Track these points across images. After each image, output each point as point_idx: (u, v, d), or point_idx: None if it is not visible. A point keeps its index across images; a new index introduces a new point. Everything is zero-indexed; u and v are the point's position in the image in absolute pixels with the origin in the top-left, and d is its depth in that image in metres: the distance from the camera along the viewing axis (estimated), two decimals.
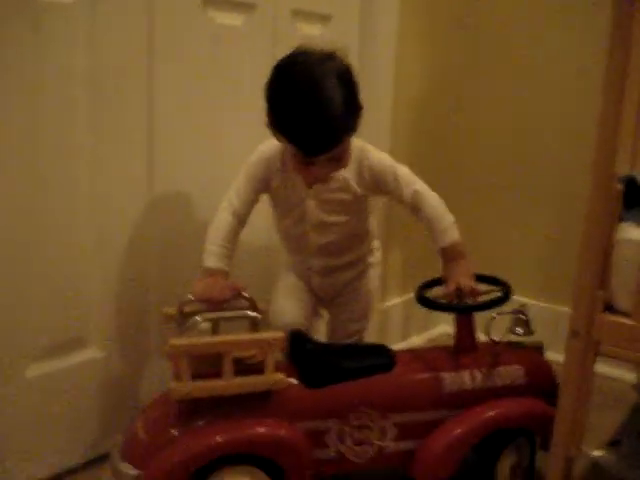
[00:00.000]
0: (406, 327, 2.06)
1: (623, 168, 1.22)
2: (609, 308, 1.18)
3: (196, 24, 1.46)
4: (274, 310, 1.44)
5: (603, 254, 1.16)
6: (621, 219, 1.19)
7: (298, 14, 1.69)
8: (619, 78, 1.10)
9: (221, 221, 1.33)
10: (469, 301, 1.33)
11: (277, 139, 1.28)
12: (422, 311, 1.99)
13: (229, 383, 1.17)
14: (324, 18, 1.77)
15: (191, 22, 1.45)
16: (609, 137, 1.12)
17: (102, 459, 1.43)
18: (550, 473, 1.26)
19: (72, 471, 1.41)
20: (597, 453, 1.54)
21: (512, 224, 2.13)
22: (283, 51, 1.60)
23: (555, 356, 1.24)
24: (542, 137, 2.02)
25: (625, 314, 1.16)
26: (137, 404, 1.45)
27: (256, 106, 1.56)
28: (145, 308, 1.48)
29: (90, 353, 1.42)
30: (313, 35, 1.73)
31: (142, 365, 1.50)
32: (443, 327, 2.15)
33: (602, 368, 1.86)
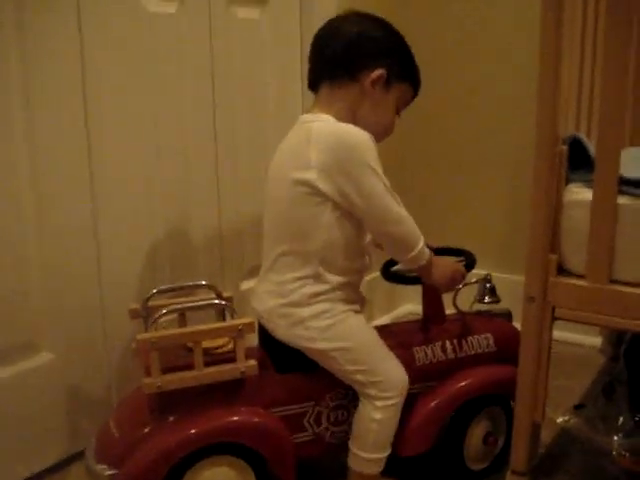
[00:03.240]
0: (370, 309, 2.11)
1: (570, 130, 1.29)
2: (562, 271, 1.24)
3: (128, 13, 1.48)
4: (390, 377, 1.29)
5: (552, 217, 1.22)
6: (568, 181, 1.25)
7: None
8: (554, 36, 1.16)
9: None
10: None
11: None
12: (384, 292, 2.09)
13: (201, 373, 1.21)
14: (261, 1, 1.79)
15: (123, 11, 1.46)
16: (549, 98, 1.18)
17: (69, 461, 1.47)
18: (516, 439, 1.33)
19: (39, 476, 1.43)
20: (562, 418, 1.62)
21: (469, 195, 2.21)
22: (220, 37, 1.64)
23: (519, 326, 1.32)
24: (499, 103, 2.11)
25: (578, 276, 1.22)
26: (101, 403, 1.49)
27: (193, 92, 1.61)
28: (98, 306, 1.50)
29: (44, 357, 1.43)
30: (252, 19, 1.76)
31: (101, 364, 1.52)
32: (406, 307, 2.22)
33: (570, 335, 1.97)
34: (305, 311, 1.28)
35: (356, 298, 1.35)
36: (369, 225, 1.28)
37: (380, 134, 1.34)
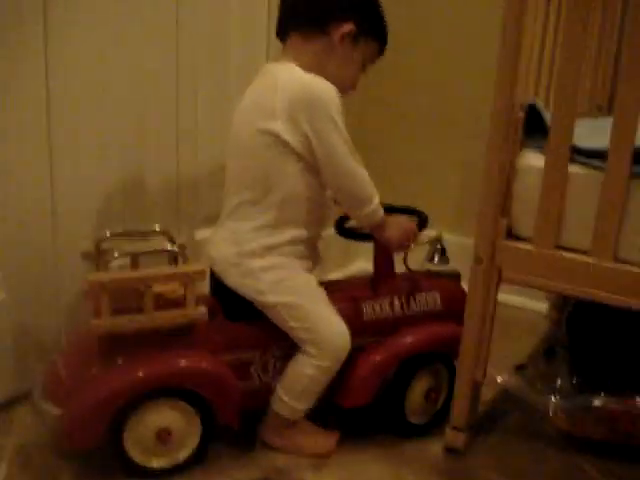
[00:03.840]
0: (323, 265, 2.14)
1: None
2: (511, 235, 1.29)
3: None
4: (332, 340, 1.32)
5: (505, 181, 1.26)
6: (523, 146, 1.29)
7: None
8: (517, 3, 1.18)
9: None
10: None
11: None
12: (338, 248, 2.12)
13: (150, 317, 1.23)
14: None
15: None
16: (508, 64, 1.20)
17: (17, 400, 1.48)
18: (457, 396, 1.38)
19: None
20: (503, 377, 1.67)
21: (426, 156, 2.25)
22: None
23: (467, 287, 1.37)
24: (459, 65, 2.13)
25: (527, 240, 1.27)
26: (51, 344, 1.51)
27: (155, 38, 1.61)
28: (50, 246, 1.50)
29: None
30: None
31: (52, 305, 1.53)
32: (359, 264, 2.25)
33: (516, 299, 2.03)
34: (257, 262, 1.30)
35: (311, 255, 1.38)
36: (326, 177, 1.31)
37: (344, 89, 1.35)
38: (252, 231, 1.31)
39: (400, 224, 1.38)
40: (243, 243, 1.31)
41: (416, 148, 2.25)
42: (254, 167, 1.31)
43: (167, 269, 1.28)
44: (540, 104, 1.30)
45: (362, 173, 1.29)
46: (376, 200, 1.31)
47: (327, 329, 1.32)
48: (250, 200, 1.32)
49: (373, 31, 1.36)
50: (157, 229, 1.40)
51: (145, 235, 1.41)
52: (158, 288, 1.26)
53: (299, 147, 1.27)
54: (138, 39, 1.57)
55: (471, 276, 1.31)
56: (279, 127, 1.26)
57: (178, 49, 1.66)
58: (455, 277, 1.55)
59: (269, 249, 1.31)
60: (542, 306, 2.03)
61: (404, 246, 1.40)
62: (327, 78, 1.29)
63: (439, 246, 1.49)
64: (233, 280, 1.33)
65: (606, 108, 1.78)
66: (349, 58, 1.35)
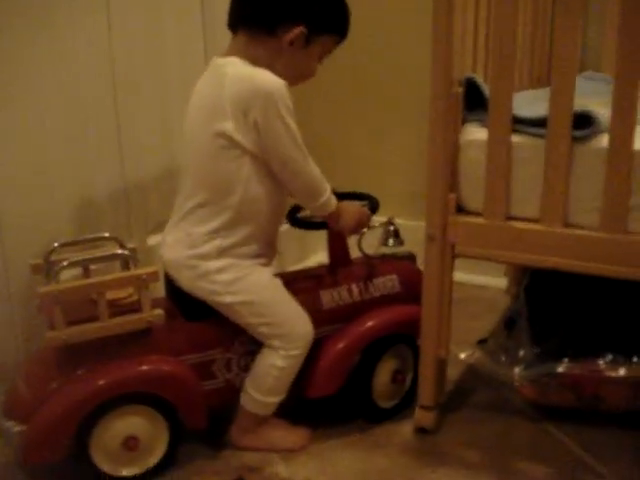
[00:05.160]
0: (280, 260, 2.13)
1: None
2: (461, 210, 1.30)
3: None
4: (294, 330, 1.33)
5: (450, 157, 1.27)
6: (465, 121, 1.30)
7: None
8: None
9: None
10: None
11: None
12: (295, 242, 2.12)
13: (106, 324, 1.22)
14: None
15: None
16: (442, 40, 1.21)
17: None
18: (422, 375, 1.39)
19: None
20: (465, 353, 1.68)
21: (376, 142, 2.26)
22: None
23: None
24: (404, 47, 2.14)
25: (477, 214, 1.28)
26: (9, 363, 1.48)
27: (88, 40, 1.58)
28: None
29: None
30: None
31: (6, 323, 1.50)
32: (316, 257, 2.25)
33: (476, 278, 2.05)
34: (211, 264, 1.29)
35: (266, 252, 1.37)
36: (275, 170, 1.30)
37: (299, 80, 1.36)
38: (208, 233, 1.30)
39: (352, 210, 1.38)
40: (197, 245, 1.30)
41: (362, 134, 2.26)
42: (209, 170, 1.30)
43: (119, 274, 1.27)
44: (478, 78, 1.31)
45: (311, 169, 1.29)
46: (327, 193, 1.31)
47: (288, 320, 1.32)
48: (206, 202, 1.30)
49: (328, 28, 1.33)
50: (106, 235, 1.38)
51: (95, 243, 1.40)
52: (112, 295, 1.24)
53: (251, 146, 1.26)
54: (71, 41, 1.55)
55: (425, 254, 1.31)
56: (230, 127, 1.24)
57: (113, 50, 1.63)
58: (410, 258, 1.56)
59: (224, 250, 1.30)
60: (502, 282, 2.05)
61: (358, 231, 1.40)
62: (280, 73, 1.28)
63: (392, 228, 1.48)
64: (186, 283, 1.32)
65: (546, 80, 1.80)
66: (302, 57, 1.32)
